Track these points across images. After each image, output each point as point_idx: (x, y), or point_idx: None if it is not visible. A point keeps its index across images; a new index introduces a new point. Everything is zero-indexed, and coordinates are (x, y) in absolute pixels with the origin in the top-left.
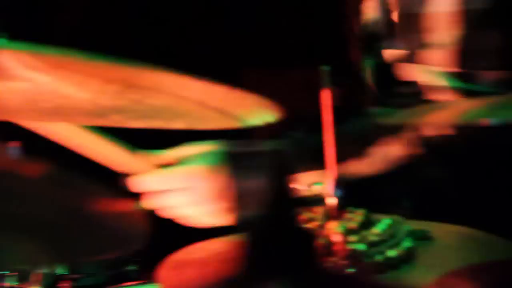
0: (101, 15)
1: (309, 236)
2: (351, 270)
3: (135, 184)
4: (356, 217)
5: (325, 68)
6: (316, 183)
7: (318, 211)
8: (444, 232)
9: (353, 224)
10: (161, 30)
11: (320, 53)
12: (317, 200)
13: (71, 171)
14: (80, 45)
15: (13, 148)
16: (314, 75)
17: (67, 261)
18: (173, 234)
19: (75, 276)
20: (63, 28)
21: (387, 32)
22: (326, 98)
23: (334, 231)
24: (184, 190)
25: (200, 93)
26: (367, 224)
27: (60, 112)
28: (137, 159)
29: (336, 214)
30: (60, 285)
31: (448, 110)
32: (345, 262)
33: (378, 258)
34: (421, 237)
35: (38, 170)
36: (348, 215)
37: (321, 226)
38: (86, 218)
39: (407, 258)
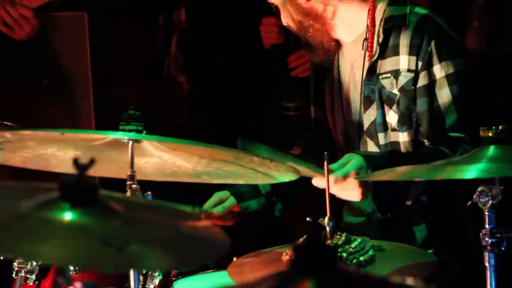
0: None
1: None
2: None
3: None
4: (341, 237)
5: None
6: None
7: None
8: (391, 246)
9: (339, 241)
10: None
11: None
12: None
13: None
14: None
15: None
16: None
17: (180, 266)
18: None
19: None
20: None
21: None
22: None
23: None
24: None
25: (250, 163)
26: (347, 242)
27: (175, 175)
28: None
29: (330, 236)
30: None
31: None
32: None
33: (354, 261)
34: (378, 249)
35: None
36: (337, 237)
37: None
38: (185, 235)
39: (370, 261)
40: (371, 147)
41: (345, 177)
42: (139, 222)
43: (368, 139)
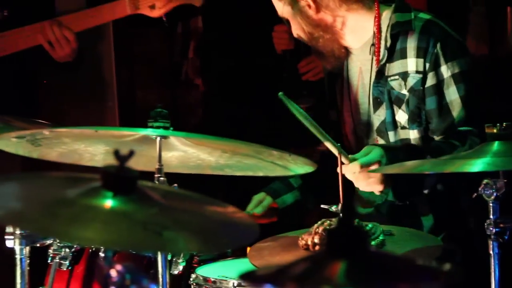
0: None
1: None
2: None
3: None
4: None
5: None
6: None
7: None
8: (400, 231)
9: None
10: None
11: None
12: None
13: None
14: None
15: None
16: None
17: (212, 250)
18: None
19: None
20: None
21: None
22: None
23: None
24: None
25: (269, 156)
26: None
27: (199, 167)
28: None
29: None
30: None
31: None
32: None
33: None
34: (388, 234)
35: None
36: None
37: None
38: (217, 221)
39: (381, 245)
40: None
41: (369, 164)
42: (174, 210)
43: (378, 138)
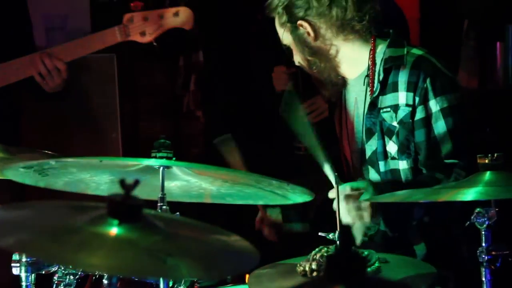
0: None
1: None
2: None
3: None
4: None
5: None
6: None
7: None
8: (393, 259)
9: None
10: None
11: None
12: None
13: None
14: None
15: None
16: None
17: (214, 276)
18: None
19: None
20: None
21: None
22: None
23: None
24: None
25: (268, 186)
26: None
27: (201, 197)
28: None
29: None
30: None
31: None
32: None
33: None
34: (383, 261)
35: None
36: None
37: None
38: (218, 249)
39: (377, 272)
40: (372, 174)
41: (358, 188)
42: (177, 237)
43: (369, 167)
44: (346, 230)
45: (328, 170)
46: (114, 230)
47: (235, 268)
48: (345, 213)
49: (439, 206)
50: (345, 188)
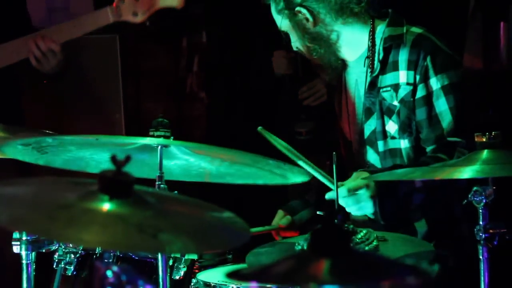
0: None
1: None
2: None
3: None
4: (348, 228)
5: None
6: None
7: None
8: (392, 237)
9: None
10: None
11: None
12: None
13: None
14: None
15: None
16: None
17: (201, 251)
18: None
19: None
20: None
21: None
22: None
23: None
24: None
25: (266, 165)
26: (353, 233)
27: (200, 176)
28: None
29: None
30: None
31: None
32: None
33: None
34: (382, 240)
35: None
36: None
37: None
38: (210, 224)
39: (374, 251)
40: (371, 154)
41: (356, 189)
42: (168, 213)
43: (368, 147)
44: (335, 206)
45: (322, 177)
46: (105, 206)
47: (226, 243)
48: (346, 208)
49: (437, 196)
50: (343, 191)
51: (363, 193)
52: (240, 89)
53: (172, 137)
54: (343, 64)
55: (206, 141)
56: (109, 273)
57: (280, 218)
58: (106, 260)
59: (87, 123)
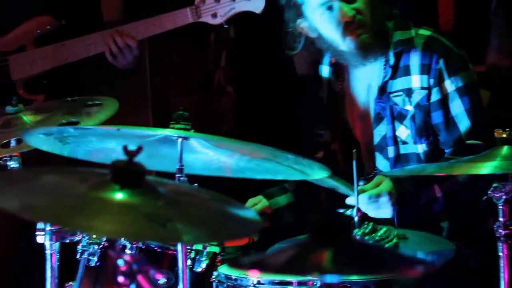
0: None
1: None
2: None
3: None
4: (368, 226)
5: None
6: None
7: None
8: (414, 235)
9: (366, 230)
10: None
11: None
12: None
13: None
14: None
15: None
16: None
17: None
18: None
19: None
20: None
21: None
22: None
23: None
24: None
25: (285, 160)
26: (373, 230)
27: (220, 170)
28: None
29: (358, 225)
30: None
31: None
32: None
33: None
34: (402, 237)
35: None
36: (364, 225)
37: None
38: (220, 215)
39: (395, 248)
40: (380, 160)
41: (377, 196)
42: (179, 203)
43: (377, 153)
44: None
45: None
46: (116, 195)
47: (236, 233)
48: (365, 210)
49: (460, 202)
50: (363, 199)
51: (385, 201)
52: (267, 84)
53: (193, 130)
54: (347, 72)
55: (235, 136)
56: (120, 262)
57: (257, 201)
58: (117, 248)
59: (114, 117)
